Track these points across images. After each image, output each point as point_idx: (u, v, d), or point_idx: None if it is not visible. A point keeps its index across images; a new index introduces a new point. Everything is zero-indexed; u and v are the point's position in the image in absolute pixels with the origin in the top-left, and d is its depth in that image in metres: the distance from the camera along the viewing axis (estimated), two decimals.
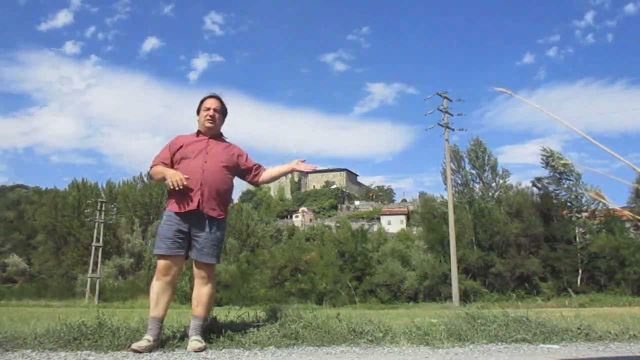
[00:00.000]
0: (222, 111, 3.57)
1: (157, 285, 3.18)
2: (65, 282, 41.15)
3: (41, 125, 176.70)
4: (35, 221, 52.64)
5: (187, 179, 3.16)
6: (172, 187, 3.17)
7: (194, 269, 3.27)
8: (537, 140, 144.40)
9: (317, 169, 3.65)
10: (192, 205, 3.20)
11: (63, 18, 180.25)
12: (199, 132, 3.50)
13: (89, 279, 34.24)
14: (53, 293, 36.35)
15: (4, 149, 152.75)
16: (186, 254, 3.25)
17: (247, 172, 3.61)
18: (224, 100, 3.59)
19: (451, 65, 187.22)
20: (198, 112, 3.54)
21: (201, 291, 3.26)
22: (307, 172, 3.64)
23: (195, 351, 2.90)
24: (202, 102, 3.54)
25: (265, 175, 3.66)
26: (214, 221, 3.27)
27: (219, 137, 3.55)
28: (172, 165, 3.38)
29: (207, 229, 3.23)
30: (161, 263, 3.18)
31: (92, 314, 3.34)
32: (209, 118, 3.44)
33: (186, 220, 3.21)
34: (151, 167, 3.45)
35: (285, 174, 3.82)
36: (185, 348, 2.99)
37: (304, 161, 3.61)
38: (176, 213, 3.21)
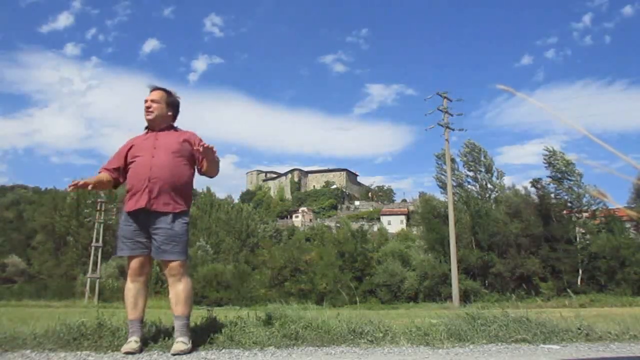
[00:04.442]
0: (167, 102, 3.38)
1: (133, 287, 3.10)
2: (65, 282, 41.07)
3: (41, 126, 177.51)
4: (34, 221, 52.54)
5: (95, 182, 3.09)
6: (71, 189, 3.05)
7: (163, 269, 3.14)
8: (536, 140, 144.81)
9: (209, 146, 3.15)
10: (140, 204, 3.09)
11: (64, 20, 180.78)
12: (146, 128, 3.41)
13: (88, 279, 34.18)
14: (53, 293, 36.28)
15: (4, 149, 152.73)
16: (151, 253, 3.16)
17: (198, 161, 3.36)
18: (170, 91, 3.44)
19: (450, 66, 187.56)
20: None
21: (177, 289, 3.10)
22: (206, 152, 3.18)
23: (179, 353, 2.81)
24: None
25: (204, 164, 3.36)
26: (169, 216, 3.11)
27: (169, 129, 3.39)
28: (125, 168, 3.30)
29: (162, 226, 3.09)
30: (132, 264, 3.10)
31: (92, 314, 3.33)
32: (146, 111, 3.34)
33: (141, 220, 3.12)
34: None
35: (208, 161, 3.29)
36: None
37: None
38: (128, 213, 3.13)
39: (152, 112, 3.33)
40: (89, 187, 3.09)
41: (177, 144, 3.28)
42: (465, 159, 39.82)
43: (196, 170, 3.39)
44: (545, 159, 36.39)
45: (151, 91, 3.42)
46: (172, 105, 3.44)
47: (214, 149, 3.18)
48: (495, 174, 39.34)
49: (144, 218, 3.11)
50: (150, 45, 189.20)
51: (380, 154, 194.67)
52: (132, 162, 3.26)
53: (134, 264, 3.11)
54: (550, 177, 36.30)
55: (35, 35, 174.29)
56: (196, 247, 43.76)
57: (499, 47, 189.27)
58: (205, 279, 36.85)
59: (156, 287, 31.45)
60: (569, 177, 35.54)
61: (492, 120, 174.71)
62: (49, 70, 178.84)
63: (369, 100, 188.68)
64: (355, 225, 49.78)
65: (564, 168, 35.28)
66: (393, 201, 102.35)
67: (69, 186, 3.06)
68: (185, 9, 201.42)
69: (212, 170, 3.34)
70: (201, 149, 3.15)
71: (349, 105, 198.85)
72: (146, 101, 3.35)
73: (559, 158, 35.35)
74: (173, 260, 3.09)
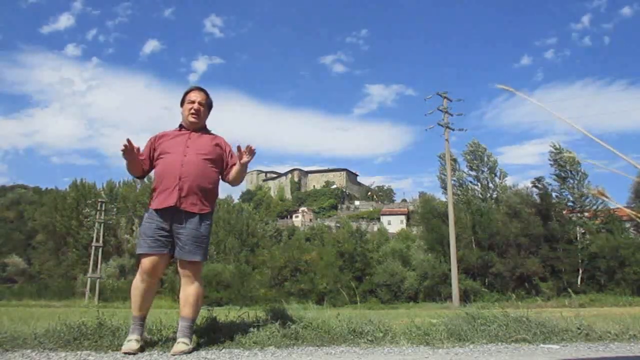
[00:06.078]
0: (208, 104, 3.40)
1: (141, 285, 3.08)
2: (65, 282, 41.06)
3: (42, 126, 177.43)
4: (35, 221, 52.53)
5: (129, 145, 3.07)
6: (122, 151, 3.06)
7: (179, 268, 3.13)
8: (536, 141, 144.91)
9: (253, 148, 3.22)
10: (170, 202, 3.06)
11: (65, 21, 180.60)
12: (181, 126, 3.36)
13: (88, 279, 34.18)
14: (53, 293, 36.27)
15: (4, 149, 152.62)
16: (171, 252, 3.11)
17: (225, 167, 3.36)
18: (208, 92, 3.43)
19: (449, 67, 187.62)
20: (182, 104, 3.38)
21: (188, 291, 3.09)
22: (247, 160, 3.17)
23: (178, 354, 2.78)
24: (186, 94, 3.37)
25: (232, 172, 3.35)
26: (196, 217, 3.10)
27: (202, 130, 3.37)
28: (152, 162, 3.29)
29: (188, 226, 3.07)
30: (145, 262, 3.05)
31: (92, 314, 3.34)
32: (194, 112, 3.28)
33: (167, 218, 3.08)
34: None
35: (240, 170, 3.31)
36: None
37: (247, 148, 3.24)
38: (156, 210, 3.10)
39: (199, 115, 3.32)
40: (134, 150, 3.10)
41: (209, 146, 3.26)
42: (468, 157, 39.95)
43: (220, 177, 3.36)
44: (550, 157, 36.45)
45: (192, 91, 3.37)
46: (210, 108, 3.46)
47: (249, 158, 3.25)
48: (498, 174, 39.49)
49: (171, 217, 3.08)
50: (151, 46, 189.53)
51: (380, 154, 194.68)
52: (162, 158, 3.22)
53: (149, 262, 3.05)
54: (554, 174, 36.37)
55: (36, 36, 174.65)
56: None
57: (499, 48, 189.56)
58: (205, 279, 36.78)
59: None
60: (573, 177, 35.58)
61: (492, 120, 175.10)
62: (50, 71, 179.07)
63: (368, 101, 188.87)
64: (355, 225, 49.81)
65: (568, 167, 35.29)
66: (393, 201, 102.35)
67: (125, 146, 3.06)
68: (186, 10, 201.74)
69: (237, 179, 3.33)
70: (246, 158, 3.20)
71: (348, 105, 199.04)
72: (193, 102, 3.31)
73: (565, 155, 35.32)
74: (193, 261, 3.08)
